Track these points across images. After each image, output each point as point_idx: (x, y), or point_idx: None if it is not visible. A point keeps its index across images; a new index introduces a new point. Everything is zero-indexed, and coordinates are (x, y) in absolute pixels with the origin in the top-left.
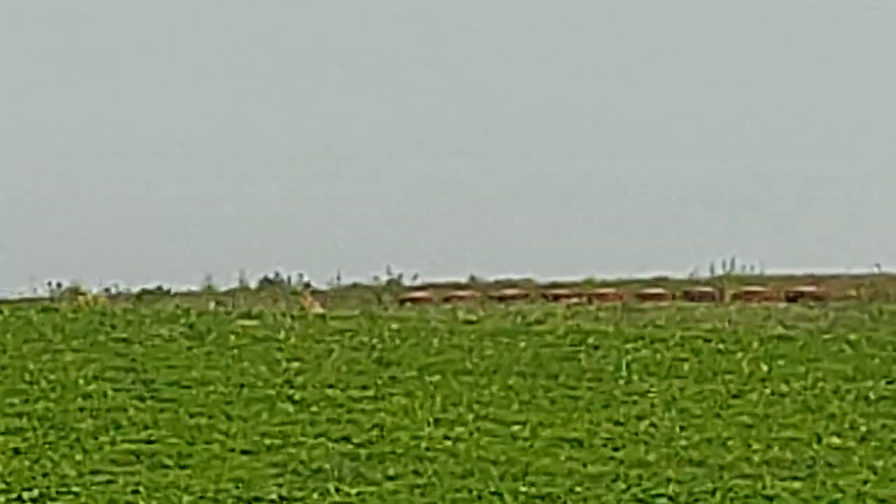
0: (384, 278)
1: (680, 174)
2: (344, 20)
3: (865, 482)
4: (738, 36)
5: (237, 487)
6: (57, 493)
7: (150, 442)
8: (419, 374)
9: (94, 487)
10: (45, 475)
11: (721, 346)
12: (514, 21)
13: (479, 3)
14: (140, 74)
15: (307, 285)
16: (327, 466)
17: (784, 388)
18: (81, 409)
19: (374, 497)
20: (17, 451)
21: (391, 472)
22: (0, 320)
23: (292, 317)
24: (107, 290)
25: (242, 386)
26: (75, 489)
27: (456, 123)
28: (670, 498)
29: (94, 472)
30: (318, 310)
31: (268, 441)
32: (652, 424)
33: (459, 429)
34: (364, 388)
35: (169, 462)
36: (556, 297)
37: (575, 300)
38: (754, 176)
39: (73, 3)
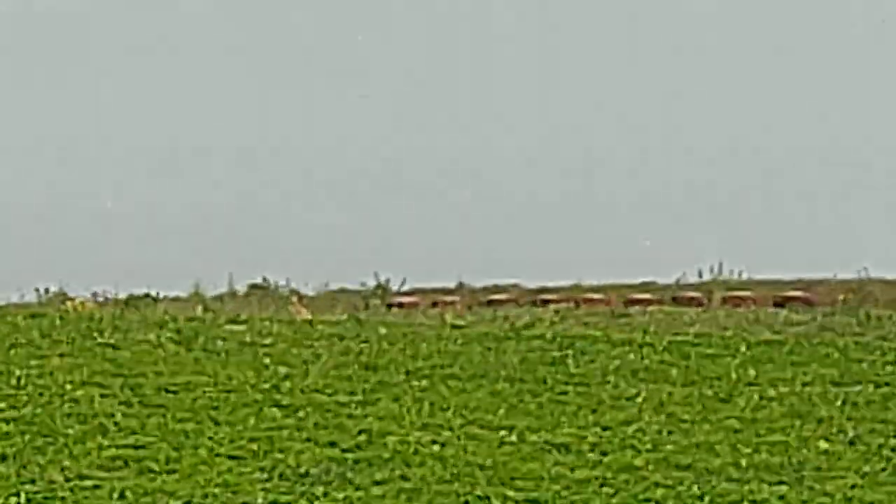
0: (372, 284)
1: (667, 180)
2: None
3: (853, 486)
4: (726, 38)
5: (225, 492)
6: (44, 498)
7: (137, 447)
8: (406, 378)
9: (81, 493)
10: (32, 481)
11: (709, 350)
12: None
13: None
14: (124, 78)
15: (295, 291)
16: (315, 471)
17: (772, 392)
18: (69, 415)
19: (360, 502)
20: (3, 457)
21: (378, 476)
22: None
23: (280, 322)
24: (94, 295)
25: (230, 391)
26: (62, 494)
27: (443, 129)
28: (657, 503)
29: (81, 478)
30: (306, 315)
31: (255, 446)
32: (639, 429)
33: (447, 433)
34: (351, 393)
35: (156, 467)
36: (544, 303)
37: (563, 305)
38: (742, 181)
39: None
